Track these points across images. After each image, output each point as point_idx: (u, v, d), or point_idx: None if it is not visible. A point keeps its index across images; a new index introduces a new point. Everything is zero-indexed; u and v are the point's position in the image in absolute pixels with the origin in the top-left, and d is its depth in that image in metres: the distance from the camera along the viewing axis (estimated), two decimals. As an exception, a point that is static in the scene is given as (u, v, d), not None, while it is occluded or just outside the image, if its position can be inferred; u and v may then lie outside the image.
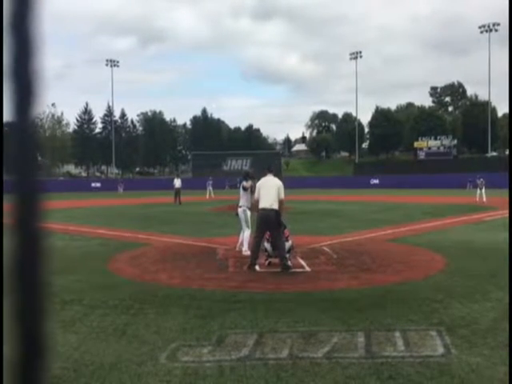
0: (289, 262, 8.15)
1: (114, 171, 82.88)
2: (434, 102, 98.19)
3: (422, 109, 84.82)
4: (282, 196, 8.41)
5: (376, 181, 57.87)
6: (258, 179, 8.87)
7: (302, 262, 8.74)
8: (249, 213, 9.81)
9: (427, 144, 68.20)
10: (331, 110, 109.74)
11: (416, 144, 69.27)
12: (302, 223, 15.36)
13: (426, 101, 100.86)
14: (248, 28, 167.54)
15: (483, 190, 27.38)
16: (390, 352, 4.35)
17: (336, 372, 3.91)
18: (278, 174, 9.81)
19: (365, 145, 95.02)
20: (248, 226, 9.78)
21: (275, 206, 8.25)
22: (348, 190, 48.56)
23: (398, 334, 4.83)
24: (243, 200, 9.85)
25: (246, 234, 9.72)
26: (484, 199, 26.57)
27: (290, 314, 5.54)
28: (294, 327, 5.07)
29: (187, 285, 7.13)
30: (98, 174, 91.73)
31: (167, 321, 5.30)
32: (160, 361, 4.17)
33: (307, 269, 8.25)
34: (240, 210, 9.91)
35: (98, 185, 57.22)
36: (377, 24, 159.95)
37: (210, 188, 38.22)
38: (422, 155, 68.31)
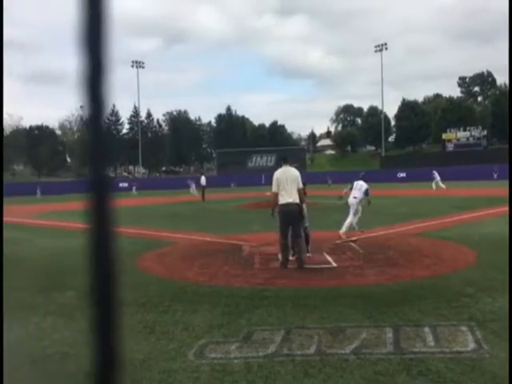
0: (307, 255, 8.55)
1: (140, 171, 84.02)
2: (462, 92, 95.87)
3: (450, 100, 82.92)
4: (301, 185, 8.25)
5: (403, 174, 56.96)
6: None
7: (329, 258, 8.70)
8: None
9: (456, 135, 66.74)
10: (356, 104, 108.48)
11: (444, 136, 67.86)
12: (327, 218, 15.26)
13: (454, 91, 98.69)
14: (271, 25, 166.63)
15: None
16: (419, 348, 4.29)
17: (364, 368, 3.88)
18: (301, 170, 9.73)
19: (391, 138, 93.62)
20: (355, 214, 11.55)
21: (297, 200, 8.10)
22: (374, 183, 47.85)
23: (427, 329, 4.76)
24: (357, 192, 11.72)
25: (349, 220, 11.36)
26: None
27: (317, 310, 5.52)
28: (321, 323, 5.05)
29: (214, 282, 7.19)
30: (125, 173, 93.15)
31: (195, 318, 5.36)
32: (188, 357, 4.22)
33: (334, 264, 8.20)
34: (356, 201, 11.66)
35: (126, 185, 58.08)
36: (400, 16, 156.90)
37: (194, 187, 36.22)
38: (450, 147, 66.90)
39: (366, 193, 11.90)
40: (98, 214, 0.75)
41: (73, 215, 19.09)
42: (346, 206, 12.08)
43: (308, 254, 8.81)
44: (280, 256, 8.26)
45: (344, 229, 11.27)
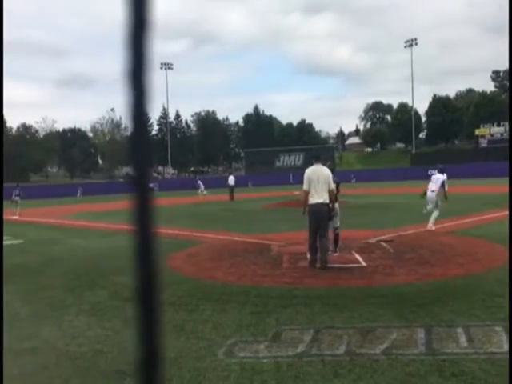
0: (335, 253, 8.64)
1: (170, 171, 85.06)
2: (496, 86, 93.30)
3: (483, 94, 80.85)
4: (332, 186, 8.09)
5: (434, 171, 55.83)
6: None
7: (358, 257, 8.60)
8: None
9: (489, 131, 65.08)
10: (386, 101, 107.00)
11: (477, 131, 66.28)
12: (357, 217, 15.10)
13: (487, 86, 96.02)
14: (298, 23, 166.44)
15: None
16: (452, 348, 4.19)
17: (395, 369, 3.82)
18: (334, 169, 9.62)
19: (422, 135, 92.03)
20: (436, 207, 12.08)
21: (327, 200, 7.98)
22: (405, 181, 47.16)
23: (460, 329, 4.65)
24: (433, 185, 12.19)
25: (436, 213, 11.95)
26: None
27: (347, 309, 5.47)
28: (350, 323, 5.00)
29: (243, 281, 7.21)
30: (154, 174, 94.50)
31: (224, 317, 5.39)
32: (218, 356, 4.24)
33: (363, 264, 8.10)
34: (433, 194, 12.12)
35: (156, 185, 58.87)
36: (430, 9, 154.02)
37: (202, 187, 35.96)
38: (483, 143, 65.27)
39: (443, 184, 11.89)
40: (140, 215, 0.77)
41: (108, 216, 19.49)
42: (426, 201, 12.43)
43: (336, 254, 8.73)
44: (308, 255, 8.21)
45: (431, 222, 11.87)
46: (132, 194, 0.76)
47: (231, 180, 31.37)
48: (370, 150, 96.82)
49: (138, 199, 0.77)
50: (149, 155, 0.78)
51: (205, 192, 35.17)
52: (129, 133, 0.79)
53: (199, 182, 37.18)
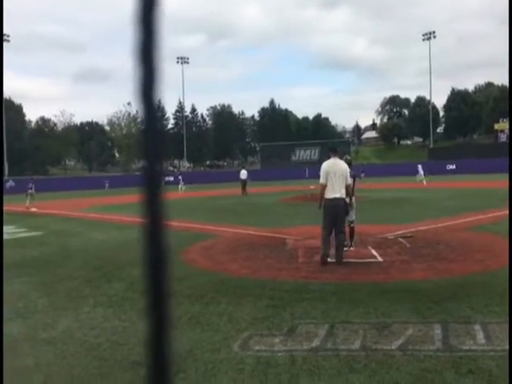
0: (351, 247, 8.65)
1: (185, 165, 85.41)
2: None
3: (503, 88, 79.33)
4: (349, 181, 7.97)
5: (452, 166, 55.07)
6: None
7: (374, 252, 8.54)
8: None
9: (510, 125, 63.86)
10: (403, 95, 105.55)
11: (497, 126, 65.13)
12: (373, 212, 15.00)
13: (507, 79, 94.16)
14: (314, 17, 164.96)
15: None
16: (469, 345, 4.15)
17: (411, 365, 3.79)
18: (350, 162, 9.52)
19: (440, 129, 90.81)
20: None
21: (344, 195, 7.83)
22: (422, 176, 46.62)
23: (478, 326, 4.59)
24: None
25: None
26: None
27: (362, 304, 5.44)
28: (366, 318, 4.97)
29: (258, 275, 7.22)
30: (170, 168, 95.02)
31: (239, 310, 5.40)
32: (233, 349, 4.26)
33: (379, 259, 8.05)
34: None
35: (171, 179, 59.18)
36: (448, 2, 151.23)
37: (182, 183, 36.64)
38: (503, 137, 64.07)
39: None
40: (151, 207, 0.76)
41: (129, 208, 19.66)
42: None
43: (351, 248, 8.69)
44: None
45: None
46: (142, 185, 0.75)
47: (243, 174, 31.38)
48: (385, 144, 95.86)
49: (147, 191, 0.75)
50: (161, 141, 0.77)
51: (184, 188, 35.95)
52: (140, 120, 0.78)
53: (179, 177, 37.54)
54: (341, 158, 8.27)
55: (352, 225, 8.87)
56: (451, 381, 3.52)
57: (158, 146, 0.76)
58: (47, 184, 43.39)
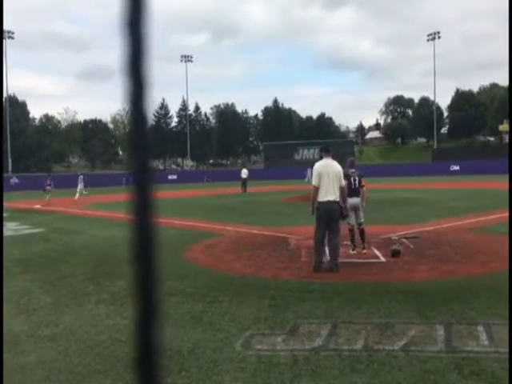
0: (364, 250, 8.40)
1: (189, 163, 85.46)
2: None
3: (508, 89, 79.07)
4: (343, 183, 7.53)
5: (457, 167, 54.85)
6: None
7: (377, 253, 8.52)
8: None
9: (510, 125, 63.66)
10: (407, 95, 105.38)
11: (501, 127, 64.89)
12: (377, 212, 14.94)
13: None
14: (319, 16, 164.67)
15: None
16: (472, 347, 4.13)
17: (414, 366, 3.78)
18: (352, 162, 9.49)
19: (444, 130, 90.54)
20: None
21: (338, 198, 7.39)
22: (426, 177, 46.54)
23: (481, 327, 4.58)
24: None
25: None
26: None
27: (365, 304, 5.43)
28: (368, 318, 4.96)
29: (260, 274, 7.21)
30: (174, 166, 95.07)
31: (241, 309, 5.40)
32: (235, 348, 4.25)
33: (382, 259, 8.03)
34: None
35: (175, 177, 59.19)
36: (454, 2, 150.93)
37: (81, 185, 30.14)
38: (508, 138, 63.88)
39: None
40: (139, 206, 0.75)
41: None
42: None
43: (364, 251, 8.57)
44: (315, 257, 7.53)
45: None
46: (131, 186, 0.75)
47: (244, 173, 31.47)
48: (389, 144, 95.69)
49: (136, 192, 0.75)
50: (148, 146, 0.76)
51: (85, 192, 30.50)
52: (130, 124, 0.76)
53: (80, 177, 31.10)
54: (333, 158, 7.74)
55: (361, 226, 8.76)
56: (454, 382, 3.50)
57: (145, 152, 0.75)
58: (69, 180, 40.89)
